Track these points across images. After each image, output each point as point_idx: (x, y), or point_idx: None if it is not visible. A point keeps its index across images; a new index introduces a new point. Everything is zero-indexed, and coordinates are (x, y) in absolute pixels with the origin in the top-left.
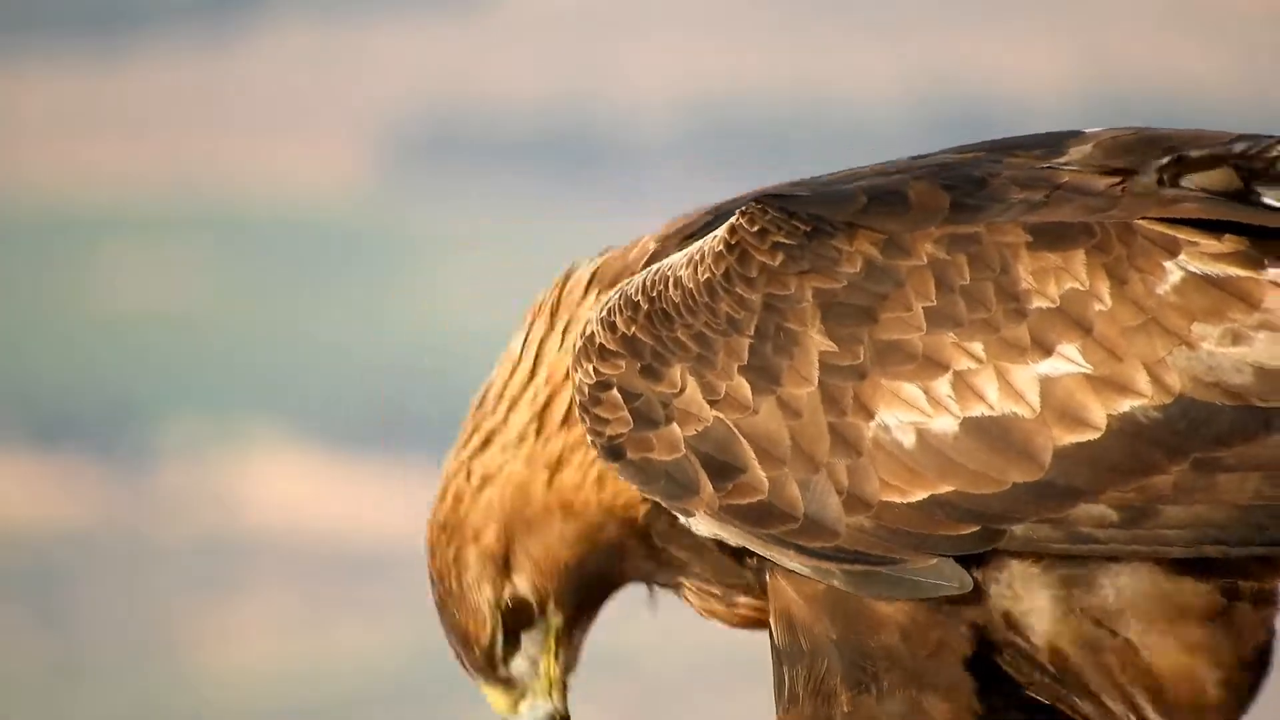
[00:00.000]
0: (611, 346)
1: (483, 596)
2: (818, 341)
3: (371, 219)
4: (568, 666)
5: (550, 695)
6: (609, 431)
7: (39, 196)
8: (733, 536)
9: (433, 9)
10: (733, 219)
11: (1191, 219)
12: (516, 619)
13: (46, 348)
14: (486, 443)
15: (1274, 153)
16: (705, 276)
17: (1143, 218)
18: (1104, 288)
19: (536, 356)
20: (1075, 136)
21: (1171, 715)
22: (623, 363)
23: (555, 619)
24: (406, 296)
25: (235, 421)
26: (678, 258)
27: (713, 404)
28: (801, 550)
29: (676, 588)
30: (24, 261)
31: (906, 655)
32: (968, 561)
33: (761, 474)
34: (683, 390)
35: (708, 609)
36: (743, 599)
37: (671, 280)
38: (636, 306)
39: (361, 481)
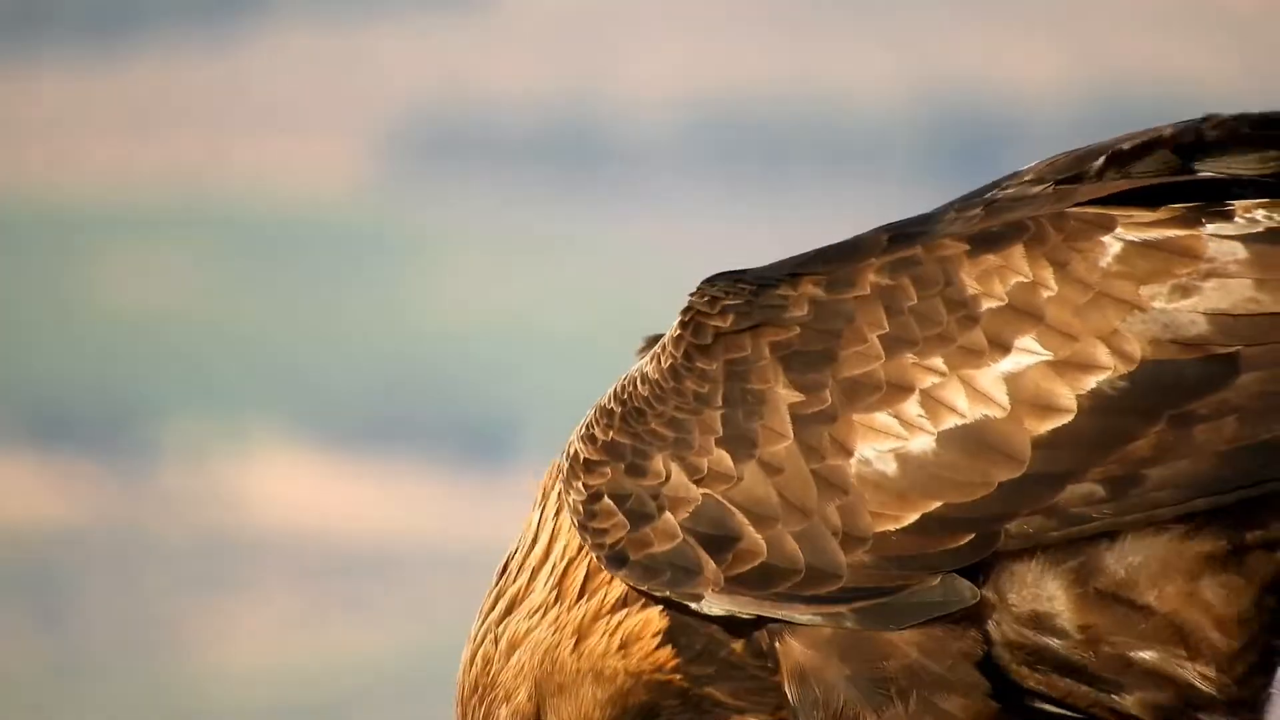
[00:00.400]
0: (595, 457)
1: None
2: (784, 395)
3: (371, 219)
4: None
5: None
6: (609, 540)
7: (39, 196)
8: (743, 608)
9: (433, 9)
10: (687, 302)
11: (1127, 197)
12: None
13: (46, 348)
14: (510, 609)
15: (1205, 127)
16: (668, 363)
17: (1074, 204)
18: (1047, 274)
19: (554, 529)
20: (1014, 175)
21: (1211, 662)
22: (608, 469)
23: None
24: (407, 296)
25: (235, 421)
26: (642, 360)
27: (698, 482)
28: (809, 600)
29: None
30: (24, 261)
31: (929, 668)
32: (975, 576)
33: (757, 536)
34: (668, 478)
35: None
36: (767, 700)
37: (638, 378)
38: (611, 413)
39: (361, 481)
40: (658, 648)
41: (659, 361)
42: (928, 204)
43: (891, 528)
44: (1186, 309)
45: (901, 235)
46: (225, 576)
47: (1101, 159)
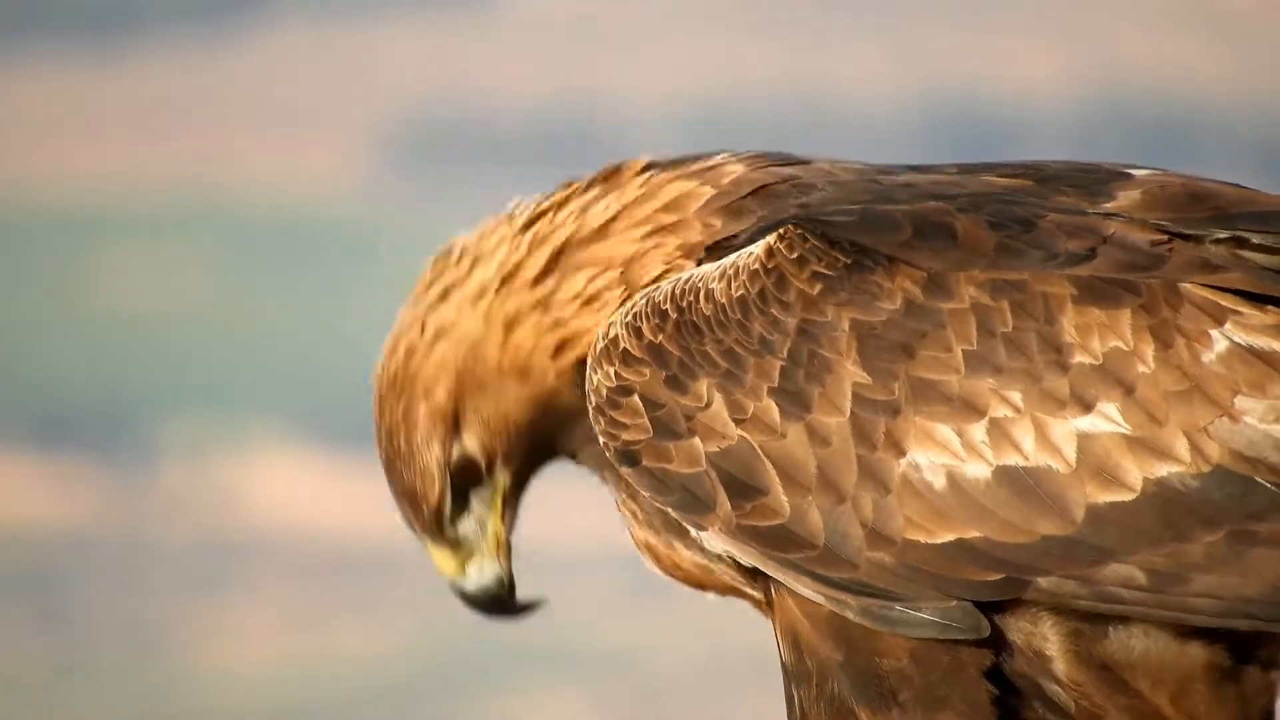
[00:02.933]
0: (636, 353)
1: (432, 455)
2: (852, 372)
3: (371, 218)
4: (511, 528)
5: (497, 557)
6: (625, 436)
7: (39, 196)
8: (746, 556)
9: (432, 9)
10: (770, 240)
11: (1237, 290)
12: (465, 479)
13: (46, 348)
14: (444, 296)
15: None
16: (739, 293)
17: (1190, 282)
18: (1148, 350)
19: (536, 217)
20: (1122, 179)
21: None
22: (647, 370)
23: (503, 479)
24: (406, 296)
25: (235, 421)
26: (710, 269)
27: (738, 423)
28: (818, 578)
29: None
30: (24, 261)
31: (918, 676)
32: (986, 603)
33: (784, 498)
34: (708, 405)
35: (644, 542)
36: (686, 553)
37: (703, 292)
38: (665, 315)
39: (361, 481)
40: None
41: (730, 285)
42: None
43: (923, 539)
44: (1277, 434)
45: (1008, 246)
46: (225, 576)
47: (1224, 233)
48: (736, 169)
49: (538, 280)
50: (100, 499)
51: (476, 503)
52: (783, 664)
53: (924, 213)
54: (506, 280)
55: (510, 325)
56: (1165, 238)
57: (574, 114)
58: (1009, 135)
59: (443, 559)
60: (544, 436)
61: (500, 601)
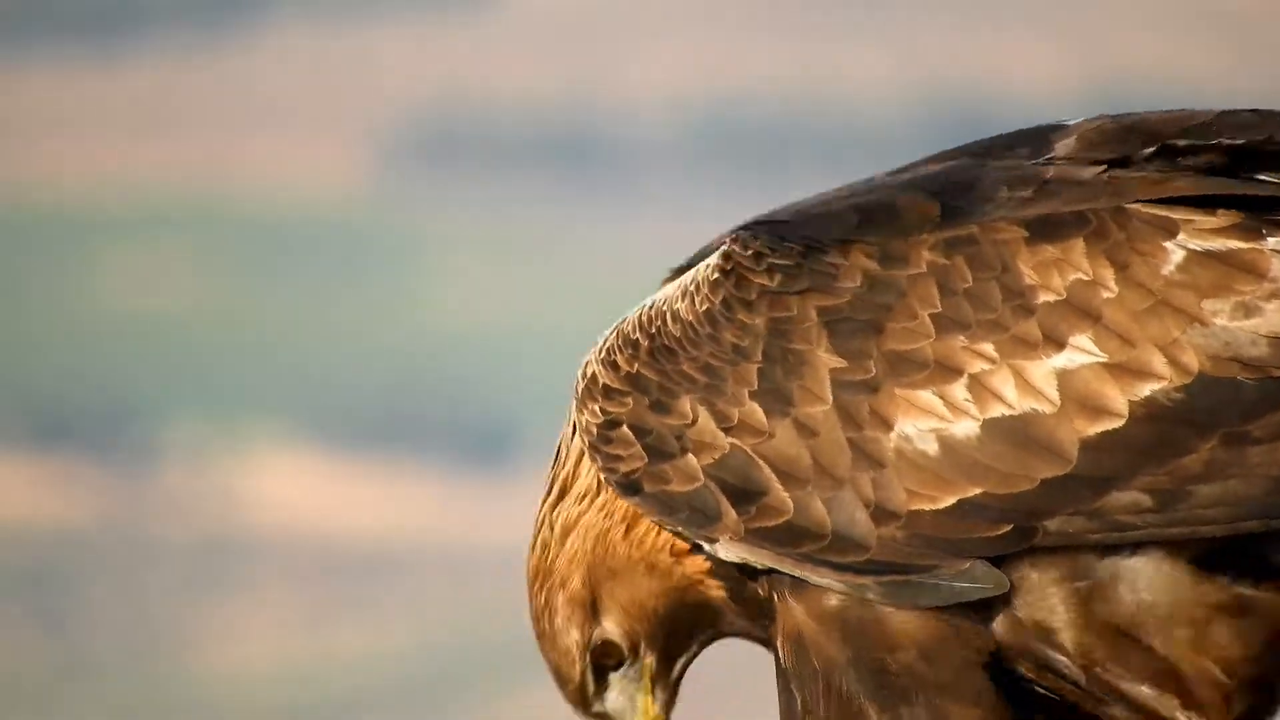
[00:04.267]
0: (616, 385)
1: (571, 639)
2: (826, 359)
3: (371, 219)
4: (667, 704)
5: None
6: (623, 468)
7: (39, 196)
8: (760, 559)
9: (433, 9)
10: (723, 249)
11: (1182, 198)
12: (606, 659)
13: (46, 348)
14: (563, 494)
15: (1264, 140)
16: (704, 306)
17: (1134, 200)
18: (1108, 274)
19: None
20: (1058, 130)
21: (1205, 710)
22: (629, 400)
23: (649, 659)
24: (406, 296)
25: (235, 421)
26: (670, 290)
27: (727, 431)
28: (833, 566)
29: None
30: (24, 261)
31: (929, 672)
32: (997, 563)
33: (784, 495)
34: (695, 421)
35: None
36: None
37: (669, 315)
38: (636, 344)
39: (361, 481)
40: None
41: (693, 302)
42: None
43: (927, 507)
44: (1249, 329)
45: (953, 208)
46: (225, 577)
47: (1151, 148)
48: None
49: None
50: (100, 499)
51: (624, 681)
52: (780, 670)
53: (865, 202)
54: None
55: (630, 520)
56: (1101, 167)
57: (574, 114)
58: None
59: None
60: (684, 624)
61: None
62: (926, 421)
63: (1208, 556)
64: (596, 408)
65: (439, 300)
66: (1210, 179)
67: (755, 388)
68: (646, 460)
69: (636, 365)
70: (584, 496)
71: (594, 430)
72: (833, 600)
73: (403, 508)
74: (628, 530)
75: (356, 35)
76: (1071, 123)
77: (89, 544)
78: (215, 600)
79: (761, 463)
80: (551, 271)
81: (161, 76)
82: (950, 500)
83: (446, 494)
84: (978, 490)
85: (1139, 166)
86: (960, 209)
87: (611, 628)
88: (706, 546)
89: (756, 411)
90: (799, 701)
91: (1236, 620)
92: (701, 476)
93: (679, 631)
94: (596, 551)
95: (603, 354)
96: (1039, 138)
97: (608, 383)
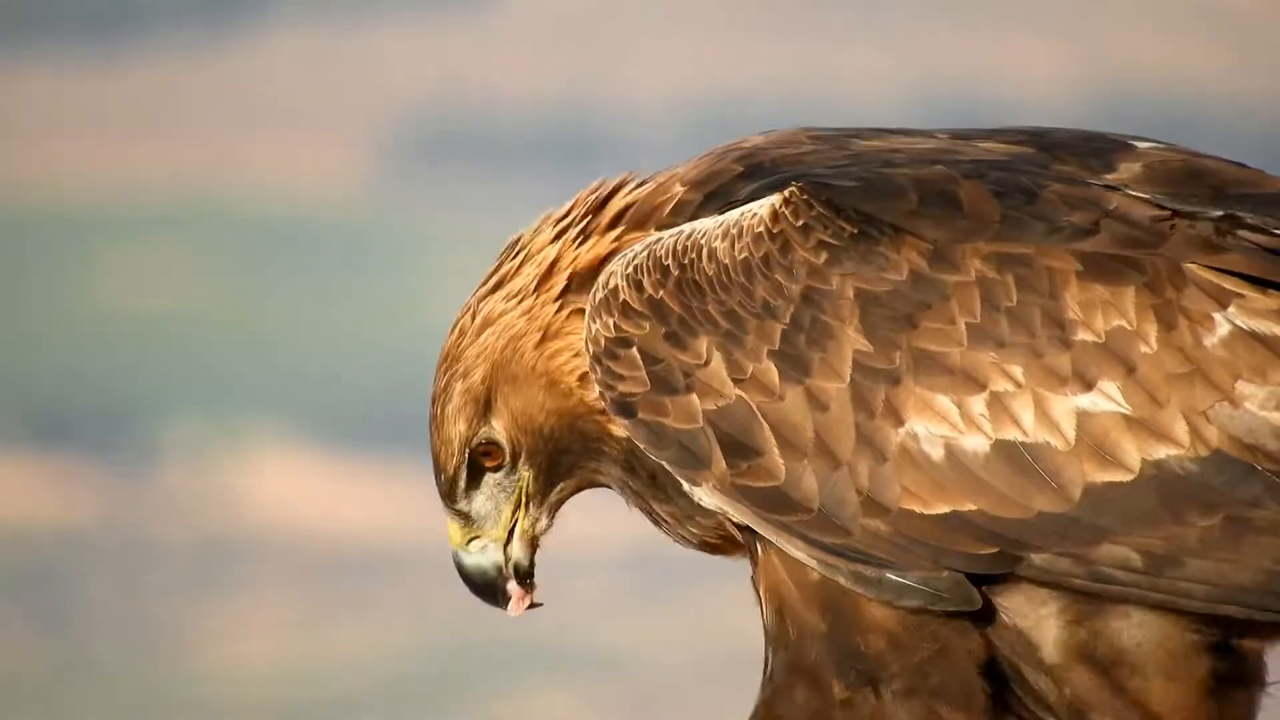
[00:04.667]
0: (636, 306)
1: (456, 429)
2: (853, 339)
3: (371, 219)
4: (538, 525)
5: (506, 545)
6: (622, 388)
7: (39, 196)
8: (739, 514)
9: (433, 9)
10: (775, 203)
11: (1238, 272)
12: (485, 459)
13: (46, 348)
14: (497, 287)
15: None
16: (743, 255)
17: (1192, 262)
18: (1151, 330)
19: (560, 232)
20: (1125, 150)
21: None
22: (647, 324)
23: (526, 474)
24: (406, 296)
25: (235, 421)
26: (710, 226)
27: (737, 382)
28: (810, 542)
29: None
30: (24, 261)
31: (896, 661)
32: (978, 579)
33: (780, 461)
34: (707, 363)
35: (680, 534)
36: (703, 523)
37: (705, 251)
38: (666, 271)
39: (361, 481)
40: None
41: (733, 245)
42: None
43: (918, 510)
44: (1275, 421)
45: (1012, 218)
46: (225, 576)
47: (1220, 211)
48: (703, 161)
49: (560, 302)
50: (100, 499)
51: (496, 488)
52: (764, 627)
53: (929, 179)
54: (541, 287)
55: (547, 332)
56: (1167, 213)
57: (574, 114)
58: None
59: (452, 529)
60: (567, 450)
61: (490, 586)
62: (939, 426)
63: (1201, 624)
64: (611, 322)
65: (439, 300)
66: (1270, 258)
67: (775, 347)
68: (649, 387)
69: (662, 292)
70: (514, 296)
71: (602, 342)
72: (815, 573)
73: (403, 508)
74: (542, 340)
75: (356, 35)
76: (1140, 145)
77: (89, 544)
78: (215, 600)
79: (764, 423)
80: None
81: (161, 76)
82: (943, 509)
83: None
84: (973, 506)
85: (1202, 221)
86: (1020, 220)
87: (498, 430)
88: (686, 486)
89: (771, 371)
90: (771, 665)
91: (1210, 683)
92: (700, 419)
93: (562, 456)
94: (505, 352)
95: (630, 269)
96: (1106, 153)
97: (628, 300)
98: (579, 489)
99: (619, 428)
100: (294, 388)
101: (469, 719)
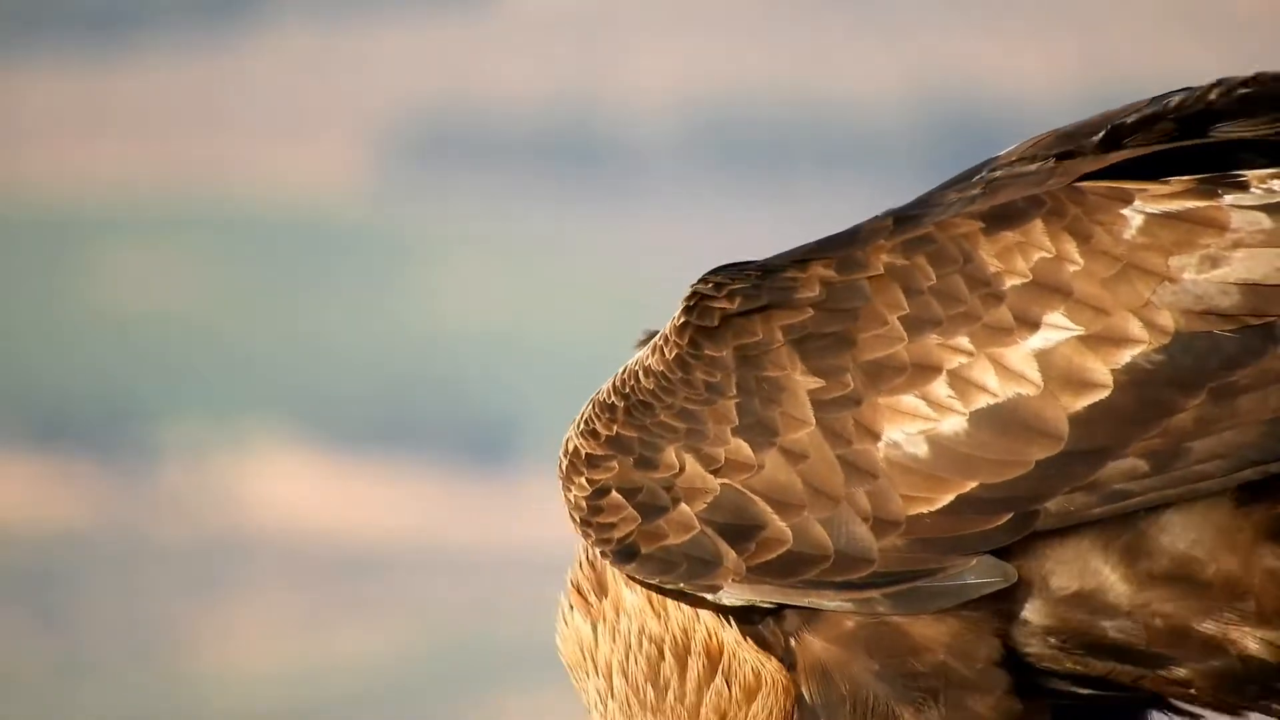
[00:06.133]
0: (598, 452)
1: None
2: (803, 381)
3: (371, 219)
4: None
5: None
6: (617, 535)
7: (39, 196)
8: (765, 596)
9: (433, 9)
10: (686, 290)
11: (1133, 167)
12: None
13: (46, 348)
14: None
15: (1211, 95)
16: (674, 353)
17: (1083, 178)
18: (1071, 248)
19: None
20: (994, 159)
21: (1274, 628)
22: (614, 463)
23: None
24: (406, 296)
25: (235, 421)
26: (641, 354)
27: (715, 472)
28: (838, 586)
29: None
30: (24, 261)
31: (958, 668)
32: (1008, 557)
33: (782, 524)
34: (682, 469)
35: None
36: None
37: (640, 371)
38: (613, 408)
39: (361, 481)
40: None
41: (662, 353)
42: None
43: (925, 510)
44: (1217, 280)
45: (906, 217)
46: (225, 577)
47: (1102, 133)
48: None
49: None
50: (100, 499)
51: None
52: (804, 706)
53: (823, 239)
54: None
55: None
56: (1048, 161)
57: (574, 114)
58: (1009, 136)
59: None
60: None
61: None
62: (913, 425)
63: (1240, 487)
64: (583, 480)
65: (439, 300)
66: (1152, 147)
67: (737, 423)
68: (640, 520)
69: (616, 428)
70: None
71: (583, 505)
72: (850, 620)
73: (403, 508)
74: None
75: (356, 35)
76: (1006, 150)
77: (89, 544)
78: (215, 600)
79: (755, 497)
80: (551, 271)
81: (161, 76)
82: (948, 498)
83: (446, 494)
84: (973, 484)
85: (1087, 151)
86: (912, 218)
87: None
88: (709, 596)
89: (743, 447)
90: None
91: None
92: (697, 524)
93: None
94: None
95: (581, 426)
96: (981, 166)
97: (590, 451)
98: None
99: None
100: (294, 388)
101: (469, 719)
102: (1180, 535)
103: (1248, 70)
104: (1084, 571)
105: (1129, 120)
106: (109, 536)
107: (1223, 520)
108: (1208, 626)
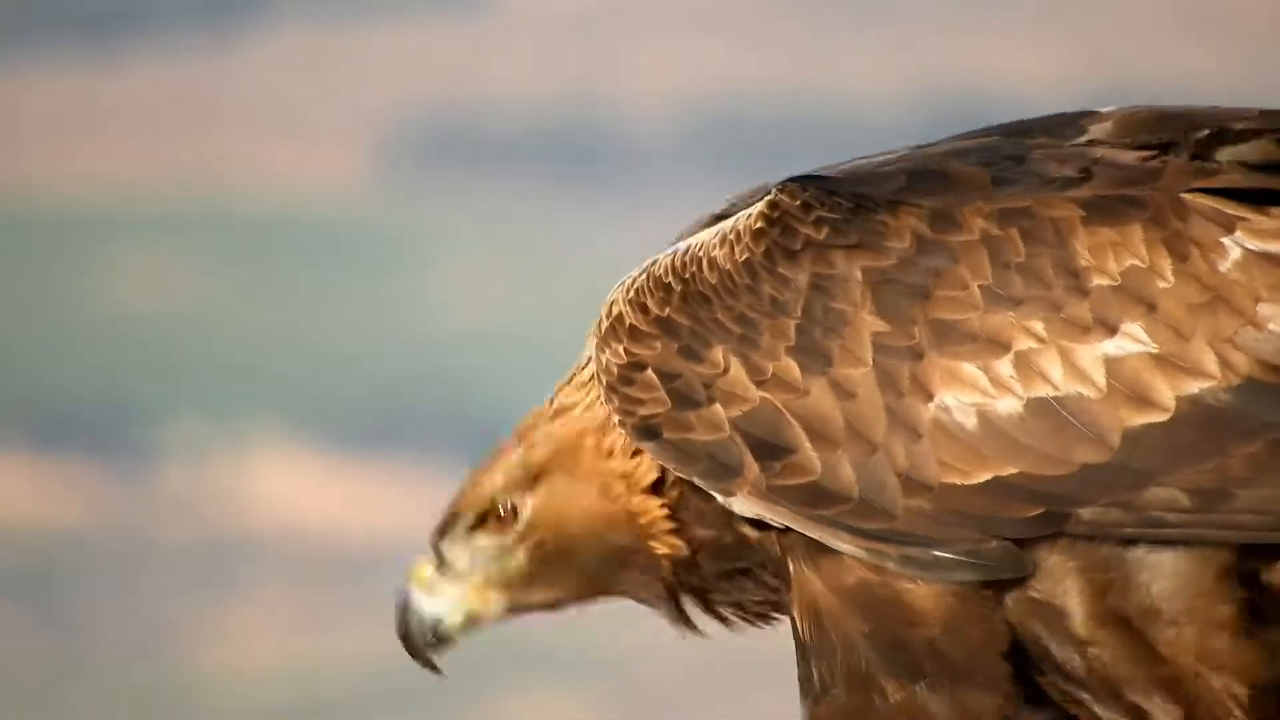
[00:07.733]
0: (644, 328)
1: (493, 480)
2: (870, 322)
3: (371, 219)
4: (490, 609)
5: (458, 605)
6: (643, 411)
7: (39, 196)
8: (779, 517)
9: (433, 9)
10: (769, 195)
11: (1235, 193)
12: (495, 519)
13: (47, 349)
14: (572, 377)
15: None
16: (744, 256)
17: (1189, 190)
18: (1165, 264)
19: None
20: (1091, 115)
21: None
22: (658, 344)
23: (520, 558)
24: (406, 296)
25: (235, 421)
26: (707, 237)
27: (759, 384)
28: (854, 532)
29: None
30: (24, 261)
31: (950, 648)
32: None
33: (813, 455)
34: (726, 371)
35: (747, 618)
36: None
37: (705, 261)
38: (669, 289)
39: (361, 481)
40: (669, 532)
41: (733, 250)
42: None
43: (959, 481)
44: None
45: (1004, 179)
46: (225, 577)
47: (1206, 132)
48: None
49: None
50: (100, 499)
51: (482, 554)
52: (799, 641)
53: (914, 163)
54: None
55: (606, 431)
56: (1152, 153)
57: (574, 114)
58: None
59: (420, 563)
60: (571, 556)
61: (409, 637)
62: (968, 395)
63: (1233, 562)
64: (620, 349)
65: (439, 300)
66: (1262, 175)
67: (793, 343)
68: (670, 405)
69: (668, 310)
70: (584, 385)
71: (614, 370)
72: (851, 576)
73: (403, 508)
74: (600, 441)
75: (356, 35)
76: (1105, 109)
77: (89, 544)
78: (215, 600)
79: (793, 420)
80: (551, 271)
81: (161, 76)
82: (985, 477)
83: (446, 494)
84: (1014, 470)
85: (1186, 153)
86: (1012, 180)
87: (525, 508)
88: (721, 499)
89: (793, 368)
90: (816, 676)
91: (1246, 635)
92: (727, 428)
93: (562, 560)
94: (570, 441)
95: (631, 294)
96: (1073, 122)
97: (635, 324)
98: (545, 606)
99: (664, 544)
100: (294, 388)
101: (469, 719)
102: (1158, 579)
103: (1247, 70)
104: (1057, 586)
105: (1235, 128)
106: (109, 536)
107: (1205, 585)
108: (1146, 701)
